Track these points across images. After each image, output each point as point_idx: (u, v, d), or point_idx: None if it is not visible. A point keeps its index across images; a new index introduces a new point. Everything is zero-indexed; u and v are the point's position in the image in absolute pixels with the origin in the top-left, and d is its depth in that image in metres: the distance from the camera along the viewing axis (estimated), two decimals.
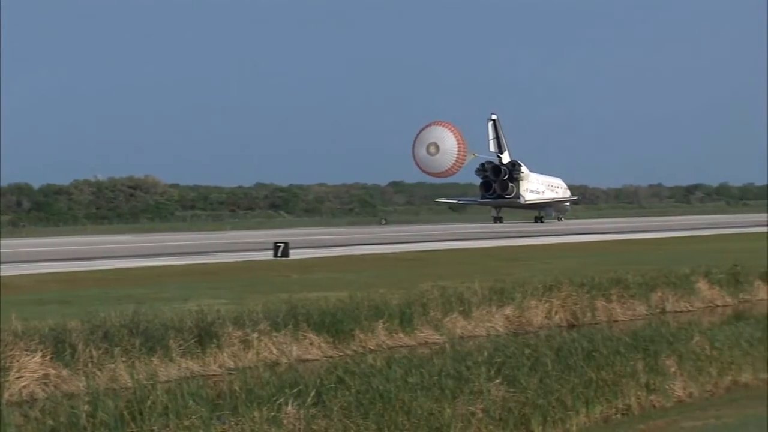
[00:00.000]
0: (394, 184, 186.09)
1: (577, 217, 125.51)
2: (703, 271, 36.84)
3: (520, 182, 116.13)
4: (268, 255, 47.99)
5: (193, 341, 23.22)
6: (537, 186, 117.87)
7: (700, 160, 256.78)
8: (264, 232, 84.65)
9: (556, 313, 30.95)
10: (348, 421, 16.02)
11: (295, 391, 16.64)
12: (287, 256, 47.40)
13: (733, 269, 37.72)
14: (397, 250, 52.91)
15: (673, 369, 20.74)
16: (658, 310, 33.19)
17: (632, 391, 19.39)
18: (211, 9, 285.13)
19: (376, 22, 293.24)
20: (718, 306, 35.36)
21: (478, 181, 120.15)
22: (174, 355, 22.63)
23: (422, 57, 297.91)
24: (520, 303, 30.26)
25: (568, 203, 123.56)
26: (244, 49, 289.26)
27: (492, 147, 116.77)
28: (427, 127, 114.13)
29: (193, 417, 15.30)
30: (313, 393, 16.64)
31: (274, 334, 24.56)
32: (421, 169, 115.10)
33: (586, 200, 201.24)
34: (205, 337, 23.56)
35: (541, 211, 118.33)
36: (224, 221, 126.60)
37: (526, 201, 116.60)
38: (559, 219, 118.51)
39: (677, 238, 64.30)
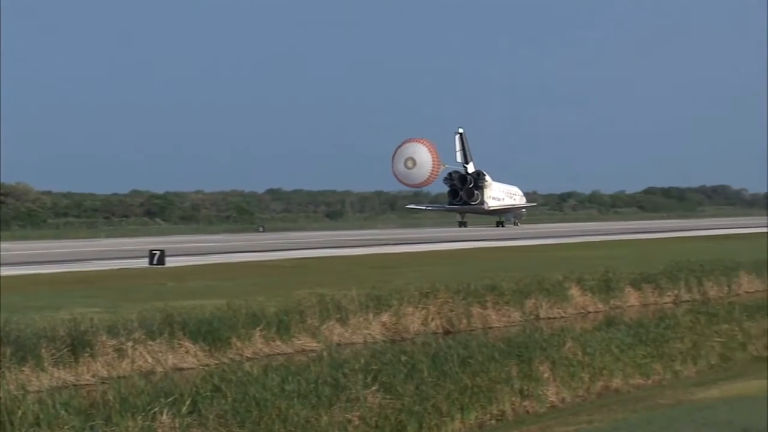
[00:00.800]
0: (272, 192, 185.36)
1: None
2: (575, 278, 37.50)
3: (484, 190, 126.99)
4: (144, 263, 47.34)
5: (65, 350, 22.86)
6: (498, 194, 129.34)
7: (574, 168, 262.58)
8: (139, 239, 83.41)
9: (432, 319, 31.19)
10: (224, 429, 15.92)
11: (170, 399, 16.51)
12: (163, 264, 46.76)
13: (604, 276, 38.51)
14: (275, 258, 52.71)
15: (546, 375, 21.09)
16: (532, 317, 33.68)
17: (506, 396, 19.66)
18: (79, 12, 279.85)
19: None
20: (590, 312, 36.00)
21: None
22: (46, 364, 22.24)
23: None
24: (397, 310, 30.40)
25: (524, 209, 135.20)
26: (115, 49, 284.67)
27: (459, 158, 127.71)
28: (404, 143, 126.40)
29: (66, 427, 15.08)
30: (188, 401, 16.56)
31: (149, 342, 24.29)
32: (400, 181, 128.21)
33: None
34: (78, 346, 23.19)
35: (502, 216, 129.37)
36: (98, 229, 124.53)
37: (489, 207, 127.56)
38: (515, 223, 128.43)
39: (550, 245, 65.38)
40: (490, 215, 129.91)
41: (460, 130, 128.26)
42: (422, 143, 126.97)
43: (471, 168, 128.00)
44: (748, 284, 42.87)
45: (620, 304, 37.35)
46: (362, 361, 19.93)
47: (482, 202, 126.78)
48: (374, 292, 31.34)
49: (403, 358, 20.37)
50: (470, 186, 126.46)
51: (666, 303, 38.29)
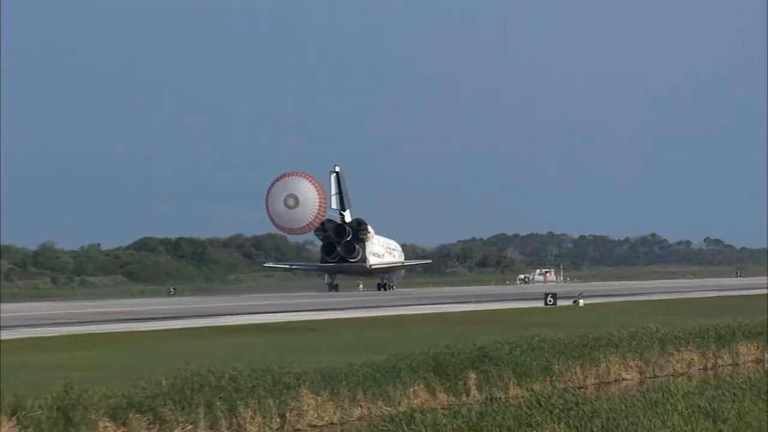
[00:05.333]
0: None
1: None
2: (9, 405, 37.81)
3: (366, 244, 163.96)
4: None
5: None
6: (378, 249, 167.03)
7: None
8: None
9: None
10: None
11: None
12: None
13: (61, 400, 38.74)
14: None
15: None
16: None
17: None
18: None
19: None
20: None
21: None
22: None
23: None
24: None
25: (403, 269, 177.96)
26: None
27: (334, 203, 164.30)
28: (282, 178, 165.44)
29: None
30: None
31: None
32: (276, 224, 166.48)
33: None
34: None
35: (384, 276, 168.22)
36: None
37: (371, 265, 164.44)
38: (391, 287, 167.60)
39: None
40: (369, 276, 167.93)
41: (337, 169, 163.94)
42: (305, 178, 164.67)
43: (348, 216, 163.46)
44: (315, 412, 44.04)
45: None
46: None
47: (364, 259, 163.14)
48: None
49: None
50: (349, 238, 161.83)
51: None
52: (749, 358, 66.01)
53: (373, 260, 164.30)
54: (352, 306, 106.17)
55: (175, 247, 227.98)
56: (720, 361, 64.37)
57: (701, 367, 62.58)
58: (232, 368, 44.62)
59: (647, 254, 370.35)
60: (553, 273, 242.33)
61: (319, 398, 44.45)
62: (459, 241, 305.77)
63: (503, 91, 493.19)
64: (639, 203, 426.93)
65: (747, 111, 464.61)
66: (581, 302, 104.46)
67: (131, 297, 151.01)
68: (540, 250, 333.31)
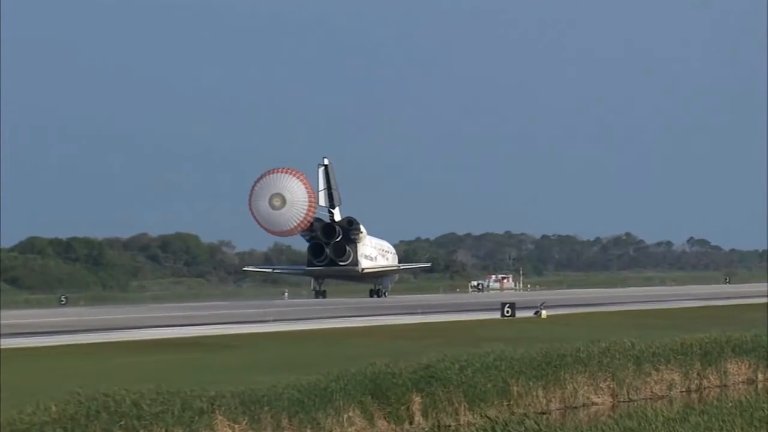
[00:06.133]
0: None
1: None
2: None
3: (358, 245, 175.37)
4: None
5: None
6: (371, 251, 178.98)
7: None
8: None
9: None
10: None
11: None
12: None
13: None
14: None
15: None
16: None
17: None
18: None
19: None
20: None
21: None
22: None
23: None
24: None
25: (396, 274, 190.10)
26: None
27: (323, 200, 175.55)
28: (267, 174, 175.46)
29: None
30: None
31: None
32: (261, 225, 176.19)
33: None
34: None
35: (377, 282, 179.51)
36: None
37: (363, 269, 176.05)
38: (384, 293, 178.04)
39: None
40: (361, 281, 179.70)
41: (326, 162, 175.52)
42: (294, 175, 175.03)
43: (338, 215, 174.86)
44: None
45: None
46: None
47: (356, 262, 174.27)
48: None
49: None
50: (338, 239, 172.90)
51: None
52: (739, 379, 66.00)
53: (365, 263, 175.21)
54: (277, 318, 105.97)
55: (66, 248, 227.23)
56: (706, 382, 64.41)
57: (684, 389, 62.63)
58: (135, 391, 44.45)
59: (621, 257, 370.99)
60: (511, 279, 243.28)
61: (236, 426, 44.41)
62: (402, 242, 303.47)
63: (447, 68, 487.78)
64: (611, 198, 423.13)
65: (740, 100, 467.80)
66: (544, 313, 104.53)
67: (15, 307, 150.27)
68: (496, 253, 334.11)
